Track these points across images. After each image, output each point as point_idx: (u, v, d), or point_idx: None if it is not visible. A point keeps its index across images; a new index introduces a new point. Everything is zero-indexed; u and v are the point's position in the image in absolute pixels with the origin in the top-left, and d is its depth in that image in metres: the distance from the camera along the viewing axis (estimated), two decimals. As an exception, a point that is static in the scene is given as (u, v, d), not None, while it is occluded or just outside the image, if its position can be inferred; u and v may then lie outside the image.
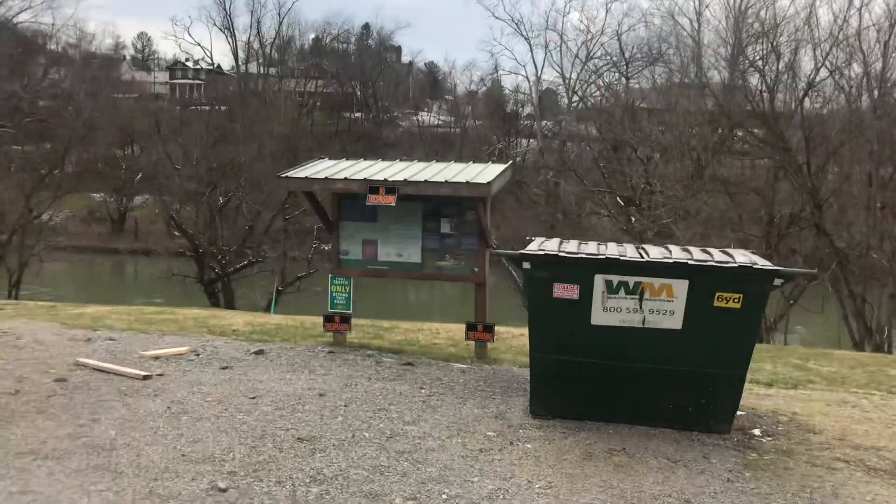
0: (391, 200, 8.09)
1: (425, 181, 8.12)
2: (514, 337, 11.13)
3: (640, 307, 5.64)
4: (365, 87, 76.85)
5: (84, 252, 45.82)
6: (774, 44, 20.79)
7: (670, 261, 5.61)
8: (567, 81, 63.63)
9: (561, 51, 63.56)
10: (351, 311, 9.25)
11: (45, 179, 29.56)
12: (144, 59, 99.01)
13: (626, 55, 46.22)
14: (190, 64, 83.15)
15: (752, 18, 23.95)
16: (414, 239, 8.87)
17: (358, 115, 73.78)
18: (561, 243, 6.04)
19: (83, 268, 44.50)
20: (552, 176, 43.92)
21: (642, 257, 5.69)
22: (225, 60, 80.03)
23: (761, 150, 22.70)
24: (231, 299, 28.14)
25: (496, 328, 9.25)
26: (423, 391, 6.90)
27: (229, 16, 71.23)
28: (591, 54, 57.42)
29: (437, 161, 9.29)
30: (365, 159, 9.43)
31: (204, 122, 38.80)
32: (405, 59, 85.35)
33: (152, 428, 5.65)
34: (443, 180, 8.08)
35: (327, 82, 74.85)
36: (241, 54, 72.55)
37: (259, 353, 8.35)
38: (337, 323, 9.20)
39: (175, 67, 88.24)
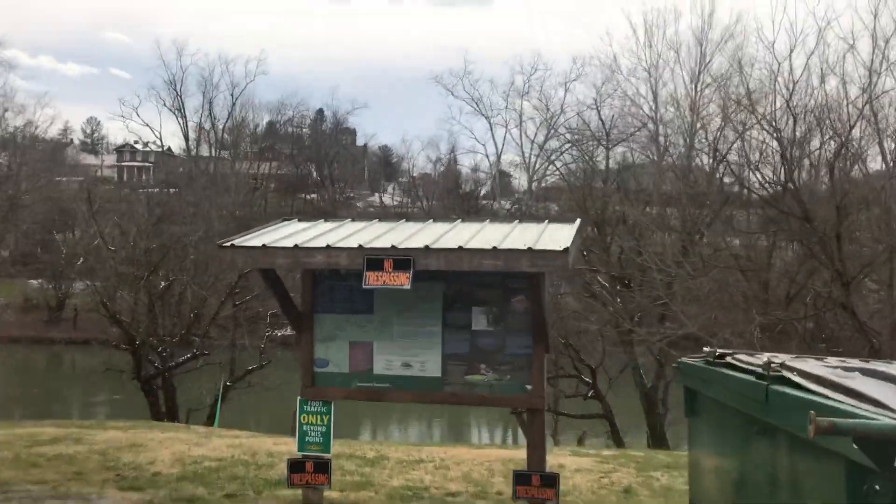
0: (404, 281, 4.97)
1: (459, 248, 5.00)
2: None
3: None
4: (320, 169, 74.81)
5: (19, 342, 43.44)
6: (791, 105, 18.34)
7: None
8: (528, 160, 62.20)
9: (521, 129, 62.05)
10: (331, 454, 6.01)
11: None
12: (93, 143, 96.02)
13: (606, 126, 44.27)
14: (139, 146, 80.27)
15: (752, 75, 21.77)
16: (430, 339, 5.73)
17: (313, 196, 71.35)
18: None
19: (15, 360, 40.97)
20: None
21: None
22: (175, 142, 77.09)
23: (776, 223, 20.13)
24: (172, 397, 24.62)
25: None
26: None
27: (180, 97, 68.39)
28: (552, 132, 56.00)
29: (462, 221, 6.19)
30: (353, 220, 6.31)
31: (147, 200, 35.54)
32: (360, 141, 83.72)
33: None
34: (489, 247, 4.99)
35: (282, 164, 72.69)
36: (192, 135, 69.78)
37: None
38: (309, 473, 5.92)
39: (123, 149, 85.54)
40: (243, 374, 24.95)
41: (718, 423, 3.58)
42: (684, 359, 4.18)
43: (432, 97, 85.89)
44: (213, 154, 69.45)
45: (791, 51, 19.26)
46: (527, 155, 61.52)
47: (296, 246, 5.22)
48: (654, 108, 43.93)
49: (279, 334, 27.80)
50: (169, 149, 76.43)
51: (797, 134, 18.59)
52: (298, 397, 5.96)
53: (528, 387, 5.65)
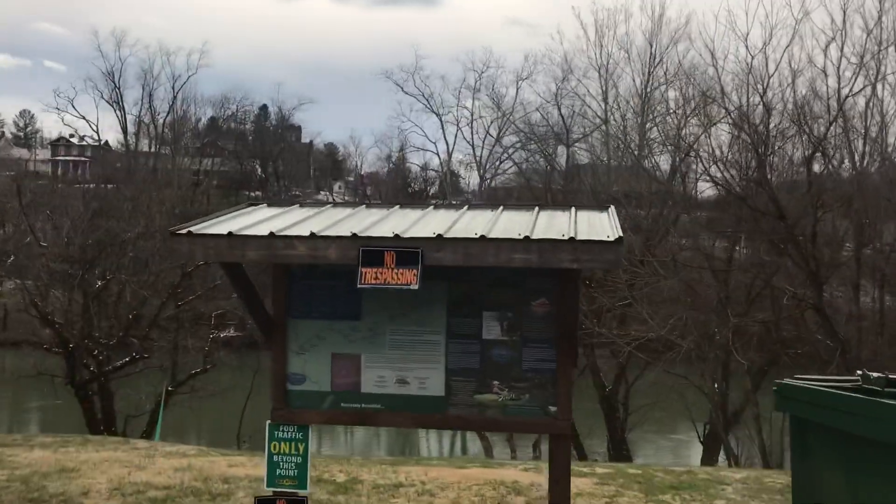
0: (410, 279, 3.94)
1: (482, 238, 3.98)
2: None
3: None
4: (265, 166, 73.13)
5: (-59, 345, 41.46)
6: (765, 98, 17.74)
7: None
8: (480, 158, 61.62)
9: (472, 128, 61.38)
10: (307, 491, 4.94)
11: None
12: (26, 137, 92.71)
13: (566, 123, 43.60)
14: (74, 140, 77.44)
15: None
16: (432, 350, 4.71)
17: (257, 193, 69.68)
18: None
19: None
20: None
21: None
22: (113, 136, 74.52)
23: (745, 222, 19.56)
24: (110, 403, 23.17)
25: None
26: None
27: (118, 89, 65.96)
28: (507, 128, 55.32)
29: (469, 208, 5.17)
30: (335, 205, 5.26)
31: (83, 194, 33.75)
32: (305, 138, 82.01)
33: None
34: (519, 237, 3.97)
35: (225, 160, 70.81)
36: (132, 129, 67.42)
37: None
38: (282, 513, 4.84)
39: (58, 144, 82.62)
40: (186, 378, 23.65)
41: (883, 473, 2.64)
42: (789, 381, 3.23)
43: (381, 94, 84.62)
44: (153, 149, 67.24)
45: (765, 43, 18.74)
46: (478, 153, 60.88)
47: (272, 234, 4.12)
48: (604, 107, 43.65)
49: (223, 336, 26.58)
50: (106, 143, 73.86)
51: (770, 129, 18.01)
52: (268, 421, 4.87)
53: (553, 408, 4.66)
